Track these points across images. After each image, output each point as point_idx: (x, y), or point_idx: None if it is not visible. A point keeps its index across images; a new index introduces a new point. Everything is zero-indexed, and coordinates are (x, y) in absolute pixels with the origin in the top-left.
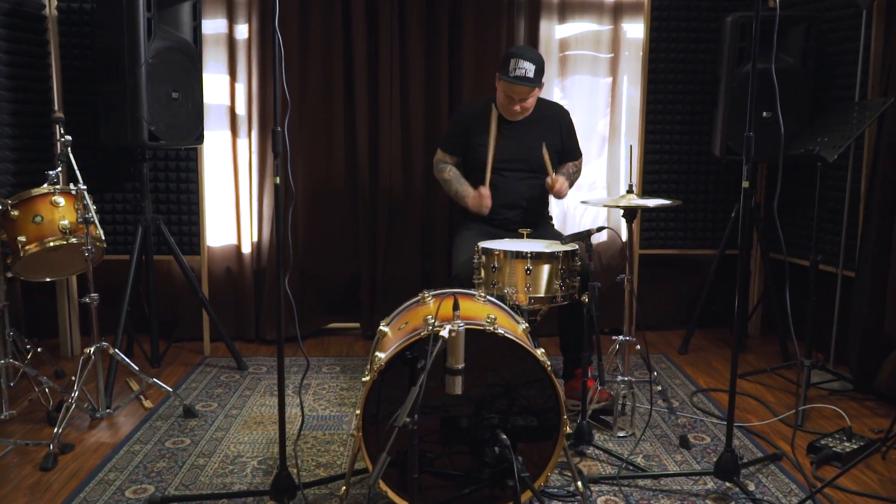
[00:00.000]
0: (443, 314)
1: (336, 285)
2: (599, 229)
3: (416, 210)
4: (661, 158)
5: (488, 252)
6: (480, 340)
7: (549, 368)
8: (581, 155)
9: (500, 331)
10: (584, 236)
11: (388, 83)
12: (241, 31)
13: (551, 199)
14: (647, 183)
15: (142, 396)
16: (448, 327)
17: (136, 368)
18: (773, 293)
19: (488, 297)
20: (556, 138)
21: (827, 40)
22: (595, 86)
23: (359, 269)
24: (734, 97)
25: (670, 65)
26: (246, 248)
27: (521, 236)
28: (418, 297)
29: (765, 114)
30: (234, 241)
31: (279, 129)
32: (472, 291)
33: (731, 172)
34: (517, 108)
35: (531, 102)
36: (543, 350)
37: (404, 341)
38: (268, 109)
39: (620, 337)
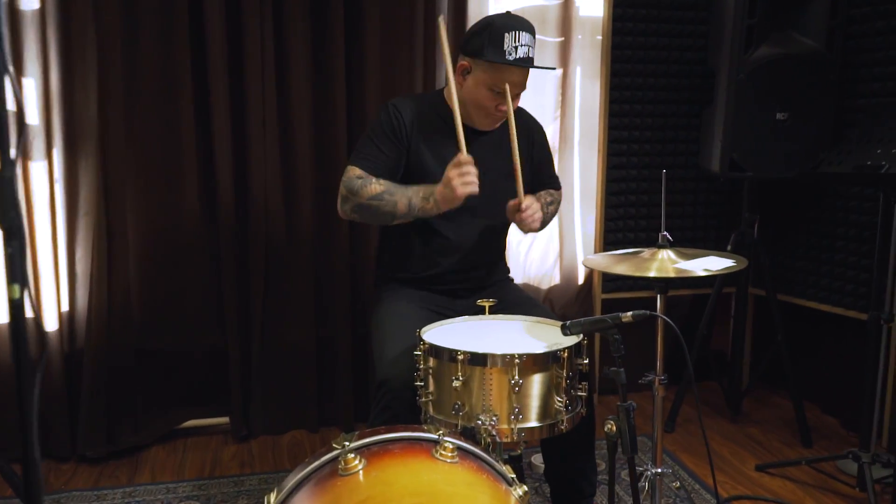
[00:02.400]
0: None
1: (192, 367)
2: (638, 315)
3: (306, 256)
4: (628, 175)
5: (440, 352)
6: None
7: None
8: (559, 186)
9: None
10: (606, 325)
11: (258, 79)
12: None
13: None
14: (610, 207)
15: None
16: None
17: None
18: (785, 346)
19: (454, 441)
20: (523, 159)
21: (859, 16)
22: (540, 80)
23: (224, 343)
24: (740, 94)
25: (641, 51)
26: (51, 324)
27: (481, 310)
28: (328, 457)
29: (779, 115)
30: (30, 314)
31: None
32: (424, 434)
33: (727, 192)
34: (506, 107)
35: (520, 97)
36: None
37: None
38: (79, 118)
39: (649, 469)
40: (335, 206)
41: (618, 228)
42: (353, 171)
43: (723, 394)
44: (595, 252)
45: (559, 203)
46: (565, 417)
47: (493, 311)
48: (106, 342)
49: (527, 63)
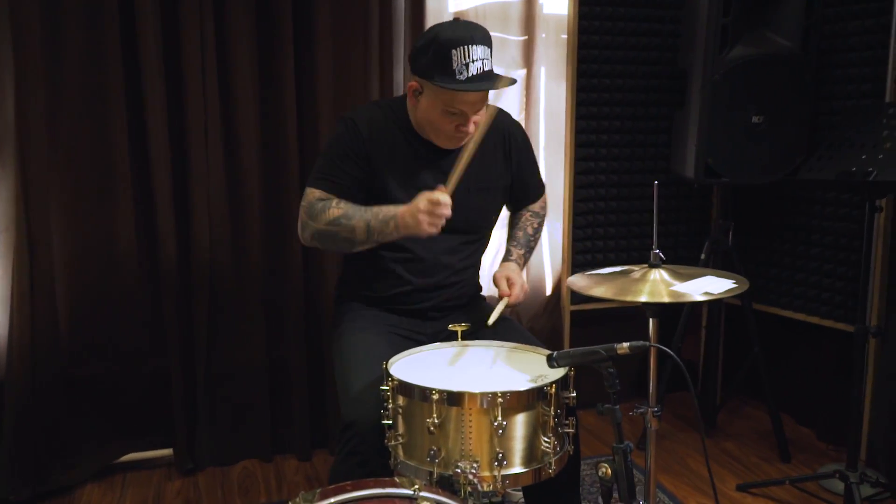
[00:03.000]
0: None
1: (130, 394)
2: (637, 347)
3: (255, 270)
4: (597, 181)
5: (411, 390)
6: None
7: None
8: (544, 191)
9: None
10: (599, 357)
11: (198, 79)
12: None
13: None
14: (578, 215)
15: None
16: None
17: None
18: (762, 357)
19: (432, 496)
20: (499, 167)
21: (833, 15)
22: None
23: (165, 367)
24: (715, 95)
25: (609, 51)
26: None
27: (453, 334)
28: None
29: (755, 118)
30: None
31: None
32: (397, 491)
33: (698, 198)
34: (471, 128)
35: (482, 114)
36: None
37: None
38: None
39: None
40: (286, 217)
41: (586, 237)
42: (313, 194)
43: (696, 405)
44: (563, 262)
45: (544, 218)
46: (553, 459)
47: (467, 335)
48: (30, 370)
49: (481, 83)
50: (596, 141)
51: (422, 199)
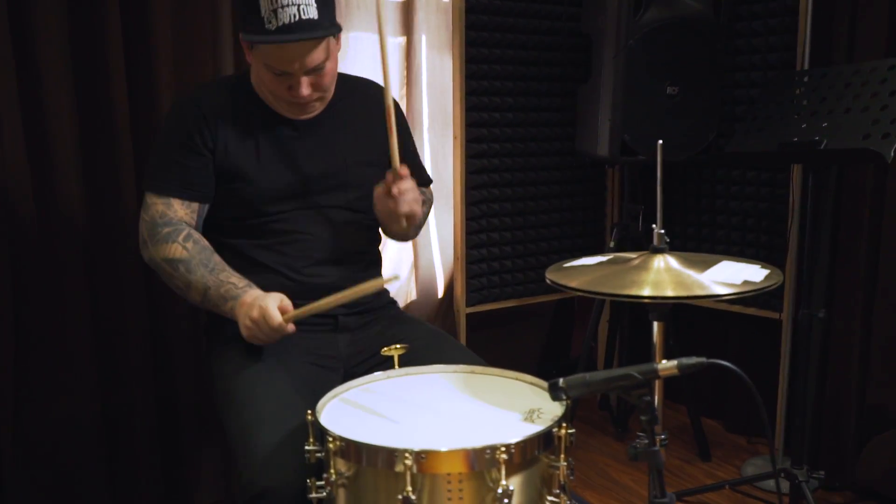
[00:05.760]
0: None
1: None
2: (689, 366)
3: (77, 295)
4: (490, 165)
5: (366, 454)
6: None
7: None
8: (429, 183)
9: None
10: (632, 382)
11: None
12: None
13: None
14: (472, 204)
15: None
16: None
17: None
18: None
19: None
20: (381, 141)
21: None
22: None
23: None
24: (630, 64)
25: (500, 17)
26: None
27: (388, 362)
28: None
29: (669, 89)
30: None
31: None
32: None
33: (598, 181)
34: (304, 91)
35: (330, 75)
36: None
37: None
38: None
39: None
40: (115, 220)
41: (481, 229)
42: (156, 207)
43: (597, 406)
44: (456, 259)
45: (431, 204)
46: None
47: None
48: None
49: (292, 34)
50: (489, 120)
51: (257, 310)
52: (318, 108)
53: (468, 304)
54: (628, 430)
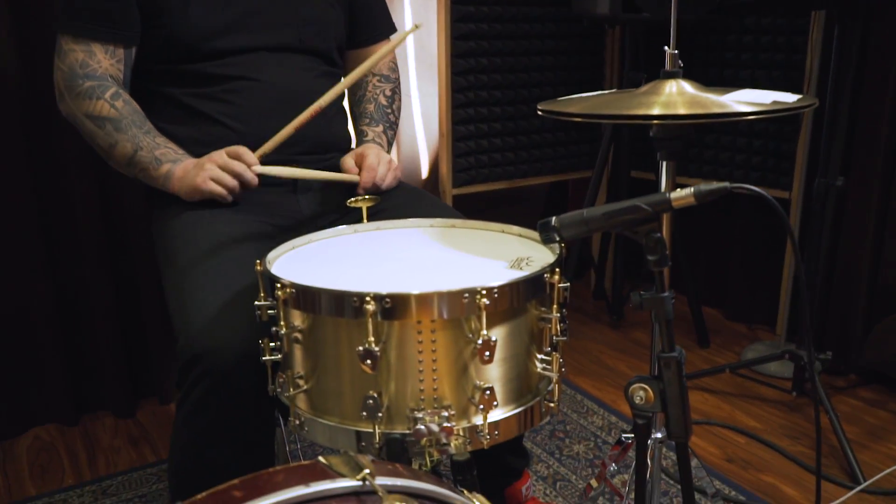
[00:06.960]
0: None
1: None
2: (706, 193)
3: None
4: (479, 30)
5: (321, 299)
6: None
7: None
8: (395, 29)
9: None
10: (639, 215)
11: None
12: None
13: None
14: (457, 75)
15: None
16: None
17: None
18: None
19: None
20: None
21: None
22: None
23: None
24: None
25: None
26: None
27: (356, 215)
28: None
29: None
30: None
31: None
32: (333, 485)
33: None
34: None
35: None
36: None
37: None
38: None
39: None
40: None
41: (469, 102)
42: (74, 54)
43: (591, 296)
44: (441, 136)
45: (399, 84)
46: (555, 387)
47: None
48: None
49: None
50: None
51: (219, 154)
52: None
53: (454, 186)
54: (624, 318)
